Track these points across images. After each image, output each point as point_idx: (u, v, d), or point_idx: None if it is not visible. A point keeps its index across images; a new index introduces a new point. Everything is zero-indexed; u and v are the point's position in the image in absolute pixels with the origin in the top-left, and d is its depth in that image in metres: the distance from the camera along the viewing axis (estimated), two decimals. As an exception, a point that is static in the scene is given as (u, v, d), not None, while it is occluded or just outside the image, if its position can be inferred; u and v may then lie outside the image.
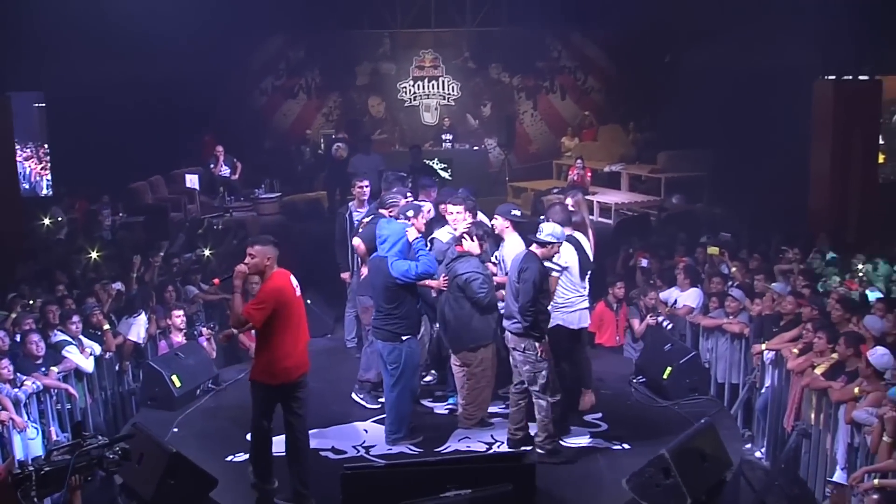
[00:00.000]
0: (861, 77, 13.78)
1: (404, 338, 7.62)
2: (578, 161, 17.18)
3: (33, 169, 17.48)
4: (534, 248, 7.47)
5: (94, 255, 11.47)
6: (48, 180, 16.92)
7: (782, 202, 14.65)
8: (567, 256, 7.89)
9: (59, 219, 14.39)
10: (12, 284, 10.54)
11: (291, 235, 14.01)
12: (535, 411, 7.52)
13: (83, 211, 15.73)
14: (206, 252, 12.24)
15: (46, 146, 16.75)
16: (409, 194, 9.26)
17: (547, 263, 7.55)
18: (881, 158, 17.53)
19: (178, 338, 9.90)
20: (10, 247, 12.46)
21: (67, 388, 8.65)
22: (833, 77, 13.79)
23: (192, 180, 16.93)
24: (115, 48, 16.05)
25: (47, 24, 14.36)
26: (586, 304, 8.29)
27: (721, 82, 16.29)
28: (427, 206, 8.76)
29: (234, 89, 20.32)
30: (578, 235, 8.20)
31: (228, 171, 17.33)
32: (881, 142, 17.46)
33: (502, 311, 7.87)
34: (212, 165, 17.29)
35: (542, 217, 8.43)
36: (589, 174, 17.26)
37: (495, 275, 8.23)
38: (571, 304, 8.05)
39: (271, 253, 6.81)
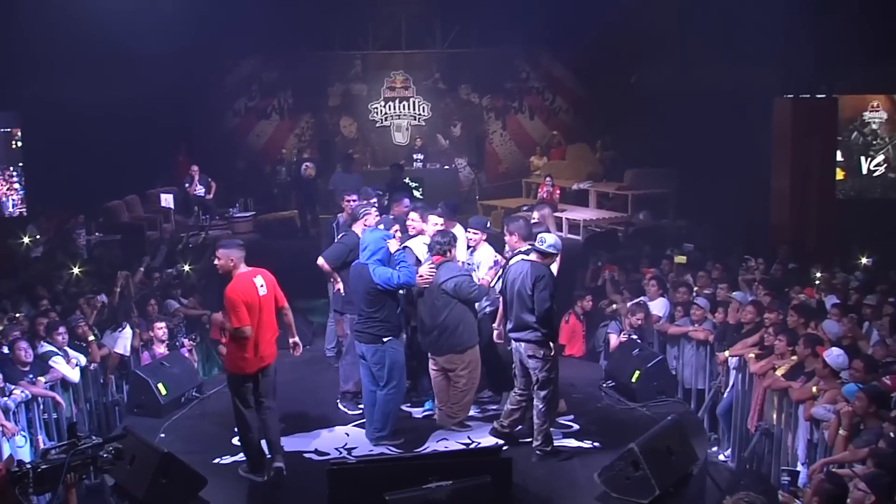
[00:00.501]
0: (818, 95, 14.29)
1: (385, 339, 7.88)
2: (548, 179, 17.56)
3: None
4: (534, 257, 7.71)
5: (75, 270, 11.69)
6: (13, 200, 17.02)
7: (745, 217, 15.12)
8: None
9: (37, 237, 14.53)
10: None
11: (266, 252, 14.22)
12: (534, 416, 7.78)
13: (58, 230, 15.87)
14: (186, 267, 12.50)
15: (12, 168, 16.89)
16: (374, 206, 9.60)
17: None
18: (841, 175, 18.06)
19: (161, 349, 10.13)
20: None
21: (54, 395, 8.85)
22: (791, 95, 14.28)
23: (166, 199, 17.16)
24: (90, 70, 16.32)
25: (22, 44, 14.56)
26: None
27: (685, 102, 16.76)
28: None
29: (208, 110, 20.61)
30: None
31: (203, 190, 17.52)
32: (841, 159, 18.02)
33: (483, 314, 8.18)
34: (187, 185, 17.49)
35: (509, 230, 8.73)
36: (558, 192, 17.62)
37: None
38: None
39: (235, 255, 7.28)
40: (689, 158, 17.01)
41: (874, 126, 18.05)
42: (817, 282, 11.13)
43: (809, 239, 13.84)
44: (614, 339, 10.55)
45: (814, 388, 7.96)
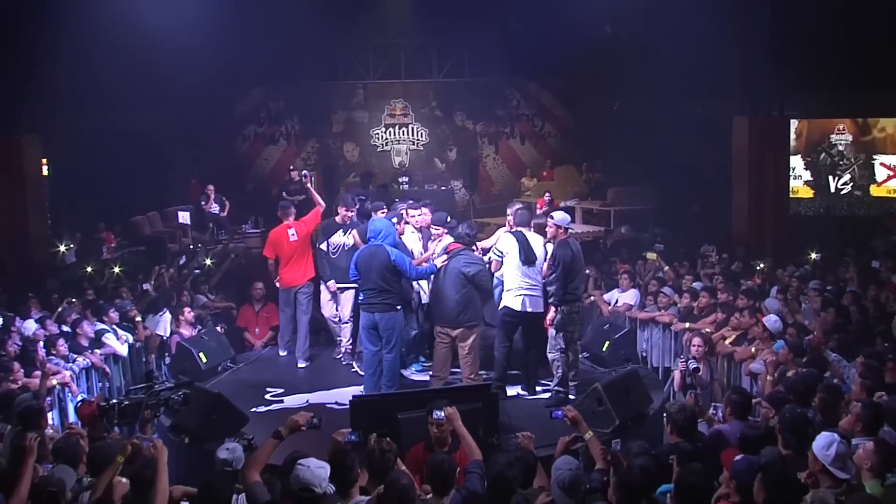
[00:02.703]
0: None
1: (398, 308, 9.27)
2: (547, 195, 18.61)
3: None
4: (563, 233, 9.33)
5: (116, 269, 13.18)
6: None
7: (714, 229, 16.56)
8: (507, 246, 9.45)
9: (71, 245, 15.96)
10: (44, 294, 12.17)
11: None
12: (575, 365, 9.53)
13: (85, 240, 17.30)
14: (207, 261, 14.09)
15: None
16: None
17: (493, 250, 9.50)
18: (810, 193, 19.57)
19: (191, 332, 11.48)
20: (41, 266, 14.23)
21: (104, 367, 10.34)
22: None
23: (183, 217, 18.49)
24: (112, 99, 17.85)
25: (49, 76, 15.88)
26: (532, 292, 9.47)
27: (663, 127, 18.27)
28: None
29: (219, 137, 22.14)
30: (531, 234, 9.65)
31: (218, 208, 18.89)
32: (810, 178, 19.54)
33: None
34: (203, 202, 18.88)
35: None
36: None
37: None
38: (513, 289, 9.47)
39: (283, 213, 11.09)
40: (666, 177, 18.53)
41: (840, 147, 19.54)
42: (759, 268, 12.63)
43: (766, 242, 15.22)
44: (678, 376, 9.72)
45: (752, 349, 9.53)
